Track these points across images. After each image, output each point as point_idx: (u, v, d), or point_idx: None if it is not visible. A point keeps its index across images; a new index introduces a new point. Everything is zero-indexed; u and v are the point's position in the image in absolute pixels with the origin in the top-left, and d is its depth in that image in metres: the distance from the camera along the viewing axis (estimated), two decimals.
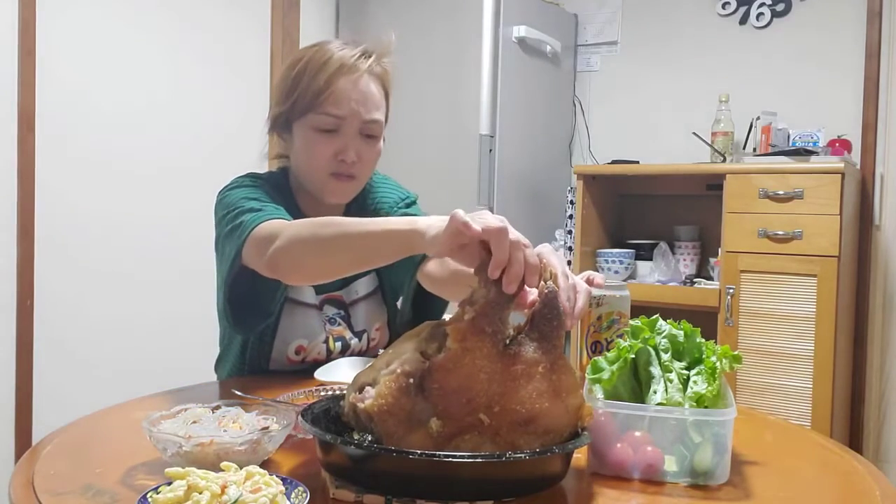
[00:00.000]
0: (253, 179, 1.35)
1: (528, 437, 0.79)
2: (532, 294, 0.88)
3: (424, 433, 0.78)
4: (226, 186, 1.34)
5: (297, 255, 1.07)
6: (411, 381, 0.79)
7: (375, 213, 1.43)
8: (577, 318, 0.92)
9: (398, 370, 0.80)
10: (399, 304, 1.48)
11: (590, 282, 1.11)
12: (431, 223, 0.88)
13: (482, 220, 0.83)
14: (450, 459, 0.75)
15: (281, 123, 1.35)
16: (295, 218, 1.35)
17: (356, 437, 0.84)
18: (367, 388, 0.82)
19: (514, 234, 0.82)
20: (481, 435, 0.78)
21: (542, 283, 0.85)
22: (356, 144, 1.30)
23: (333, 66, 1.28)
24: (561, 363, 0.83)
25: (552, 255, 0.94)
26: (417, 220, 0.91)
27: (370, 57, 1.32)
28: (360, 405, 0.81)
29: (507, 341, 0.83)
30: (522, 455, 0.77)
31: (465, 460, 0.75)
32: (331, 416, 0.89)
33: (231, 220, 1.23)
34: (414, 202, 1.48)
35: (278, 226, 1.13)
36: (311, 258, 1.06)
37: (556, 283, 0.86)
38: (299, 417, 0.85)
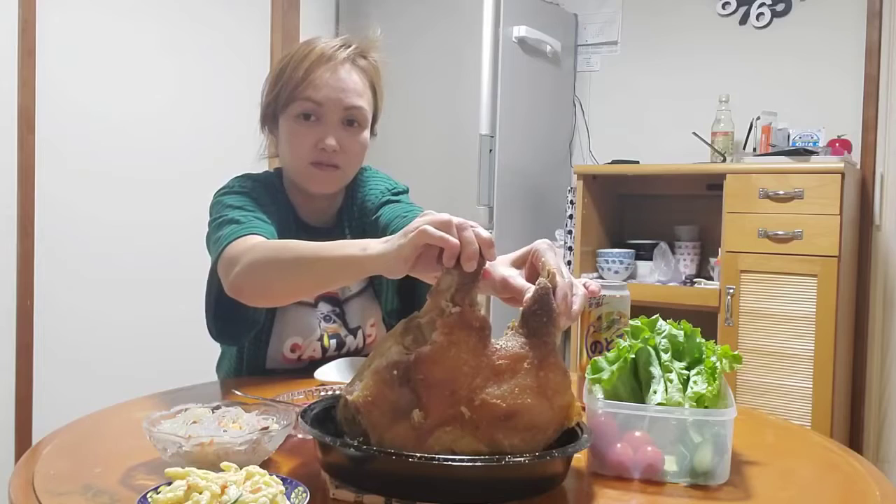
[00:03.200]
0: (243, 184, 1.35)
1: (508, 432, 0.78)
2: (528, 291, 0.88)
3: (407, 425, 0.78)
4: (220, 189, 1.35)
5: (256, 280, 1.10)
6: (395, 373, 0.80)
7: (363, 205, 1.44)
8: (574, 318, 0.91)
9: (382, 363, 0.81)
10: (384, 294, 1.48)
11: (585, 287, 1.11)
12: (385, 247, 0.91)
13: (430, 220, 0.86)
14: (448, 463, 0.75)
15: (269, 119, 1.37)
16: (287, 218, 1.37)
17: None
18: (356, 382, 0.83)
19: (456, 219, 0.85)
20: (462, 428, 0.78)
21: (538, 279, 0.85)
22: (337, 133, 1.31)
23: (313, 56, 1.31)
24: (551, 360, 0.82)
25: (549, 253, 0.93)
26: (370, 245, 0.94)
27: (350, 47, 1.34)
28: (349, 397, 0.82)
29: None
30: (522, 459, 0.76)
31: (464, 464, 0.75)
32: (330, 417, 0.89)
33: (214, 231, 1.25)
34: (403, 191, 1.47)
35: (243, 248, 1.14)
36: (270, 283, 1.10)
37: (554, 280, 0.86)
38: (299, 418, 0.85)
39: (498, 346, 0.82)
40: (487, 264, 1.00)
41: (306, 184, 1.36)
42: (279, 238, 1.33)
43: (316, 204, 1.41)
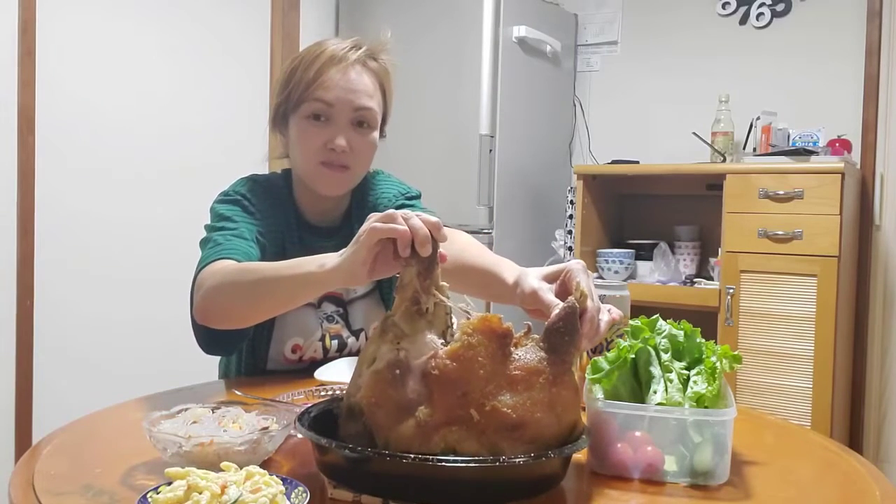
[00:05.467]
0: (240, 189, 1.35)
1: (512, 442, 0.78)
2: (556, 308, 0.87)
3: (412, 423, 0.78)
4: (221, 192, 1.36)
5: (217, 304, 1.13)
6: (397, 372, 0.80)
7: (375, 208, 1.44)
8: (595, 343, 0.91)
9: (381, 364, 0.81)
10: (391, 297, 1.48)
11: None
12: (341, 259, 0.94)
13: (376, 219, 0.89)
14: (444, 464, 0.75)
15: (279, 119, 1.37)
16: (290, 219, 1.38)
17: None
18: (357, 385, 0.84)
19: (400, 211, 0.89)
20: (468, 430, 0.78)
21: (568, 297, 0.85)
22: (347, 133, 1.31)
23: (324, 58, 1.31)
24: (565, 378, 0.82)
25: (582, 274, 0.93)
26: (327, 260, 0.97)
27: (360, 49, 1.34)
28: (353, 399, 0.82)
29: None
30: (519, 459, 0.76)
31: (461, 465, 0.75)
32: (328, 418, 0.89)
33: (201, 247, 1.26)
34: (416, 196, 1.48)
35: (208, 273, 1.16)
36: (233, 306, 1.13)
37: (584, 303, 0.85)
38: (295, 422, 0.85)
39: (517, 357, 0.81)
40: (520, 275, 0.99)
41: (315, 185, 1.36)
42: (281, 240, 1.34)
43: (322, 205, 1.41)
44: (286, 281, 1.04)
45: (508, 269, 1.10)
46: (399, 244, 0.87)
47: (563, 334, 0.83)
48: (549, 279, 1.01)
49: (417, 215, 0.88)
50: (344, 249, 0.94)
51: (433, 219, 0.88)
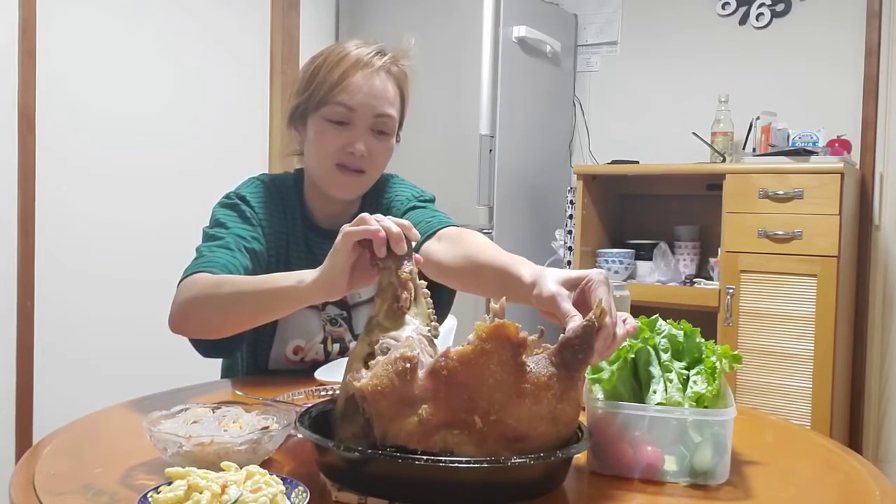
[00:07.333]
0: (242, 193, 1.35)
1: (511, 453, 0.78)
2: (572, 320, 0.87)
3: (414, 419, 0.78)
4: (225, 194, 1.36)
5: (193, 316, 1.15)
6: (407, 365, 0.80)
7: (388, 211, 1.43)
8: (605, 358, 0.91)
9: (395, 353, 0.81)
10: None
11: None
12: (318, 271, 0.97)
13: (348, 225, 0.94)
14: (446, 464, 0.75)
15: (297, 117, 1.37)
16: (295, 221, 1.38)
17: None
18: (363, 370, 0.83)
19: (373, 216, 0.93)
20: (469, 435, 0.77)
21: (589, 314, 0.84)
22: (366, 138, 1.32)
23: (349, 61, 1.31)
24: (571, 395, 0.81)
25: (602, 287, 0.91)
26: (305, 276, 1.00)
27: (385, 55, 1.35)
28: (356, 384, 0.81)
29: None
30: (524, 460, 0.76)
31: (462, 465, 0.75)
32: (328, 419, 0.89)
33: (196, 251, 1.26)
34: (430, 200, 1.47)
35: (188, 284, 1.16)
36: (209, 318, 1.15)
37: (602, 320, 0.84)
38: (296, 422, 0.85)
39: (528, 368, 0.80)
40: (539, 276, 1.00)
41: (328, 186, 1.35)
42: (284, 241, 1.35)
43: (332, 208, 1.40)
44: (262, 295, 1.06)
45: (527, 267, 1.07)
46: (375, 244, 0.90)
47: (577, 352, 0.82)
48: (568, 285, 0.98)
49: (389, 217, 0.92)
50: (322, 266, 0.97)
51: (405, 222, 0.93)
